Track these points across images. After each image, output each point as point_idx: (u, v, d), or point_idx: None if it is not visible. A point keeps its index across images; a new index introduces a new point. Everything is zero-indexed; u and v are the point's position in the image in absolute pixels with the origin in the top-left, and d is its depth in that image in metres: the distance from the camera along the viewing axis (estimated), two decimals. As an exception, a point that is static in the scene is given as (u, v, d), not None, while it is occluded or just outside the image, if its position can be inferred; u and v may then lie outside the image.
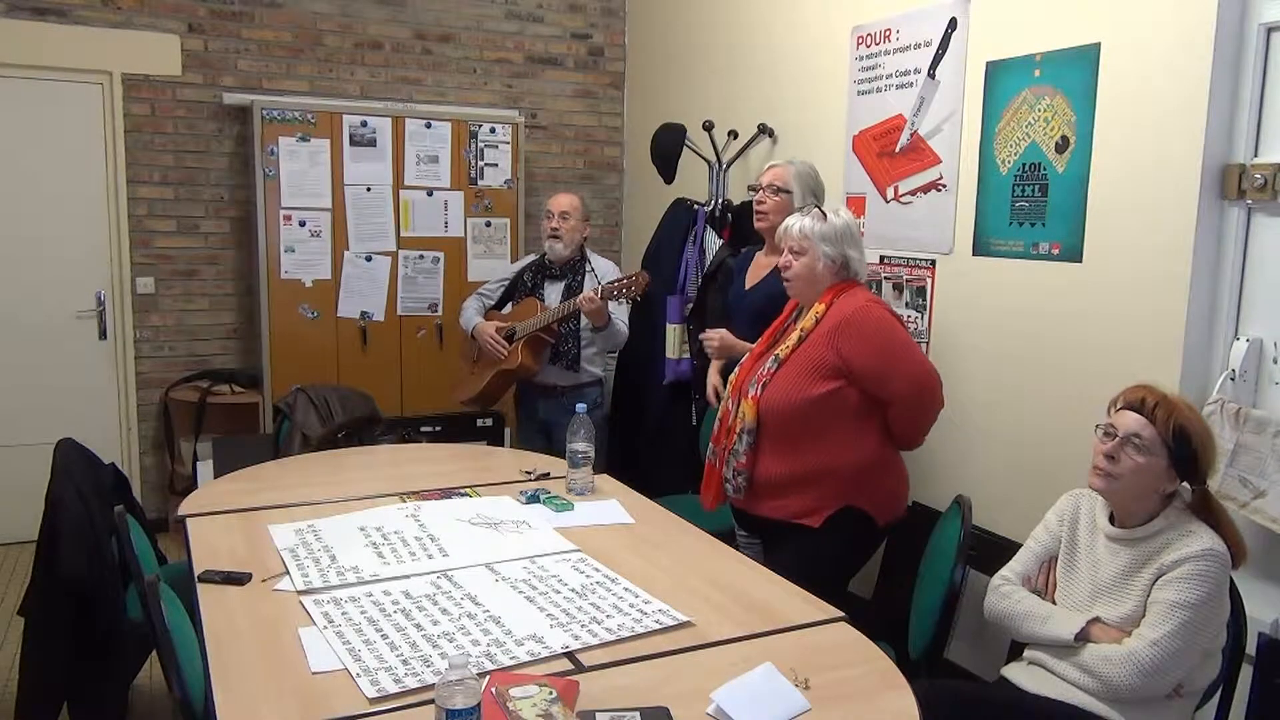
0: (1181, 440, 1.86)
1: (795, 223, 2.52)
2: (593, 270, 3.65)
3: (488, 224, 4.76)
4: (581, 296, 3.37)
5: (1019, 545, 2.15)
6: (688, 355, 3.95)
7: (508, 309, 3.76)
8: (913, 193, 3.33)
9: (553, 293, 3.65)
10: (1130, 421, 1.89)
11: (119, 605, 2.48)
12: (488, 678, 1.52)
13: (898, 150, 3.38)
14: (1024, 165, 2.89)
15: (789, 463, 2.43)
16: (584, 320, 3.50)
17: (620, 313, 3.56)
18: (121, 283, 4.42)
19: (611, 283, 3.37)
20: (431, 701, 1.39)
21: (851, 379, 2.39)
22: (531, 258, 3.84)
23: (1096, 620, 1.90)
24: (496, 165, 4.73)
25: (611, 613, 1.83)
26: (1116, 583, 1.91)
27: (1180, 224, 2.45)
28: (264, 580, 1.96)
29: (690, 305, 3.95)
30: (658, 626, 1.77)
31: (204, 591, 1.91)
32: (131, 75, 4.33)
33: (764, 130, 4.07)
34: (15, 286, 4.27)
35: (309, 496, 2.51)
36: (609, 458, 3.70)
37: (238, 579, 1.95)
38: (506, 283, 3.83)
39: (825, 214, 2.50)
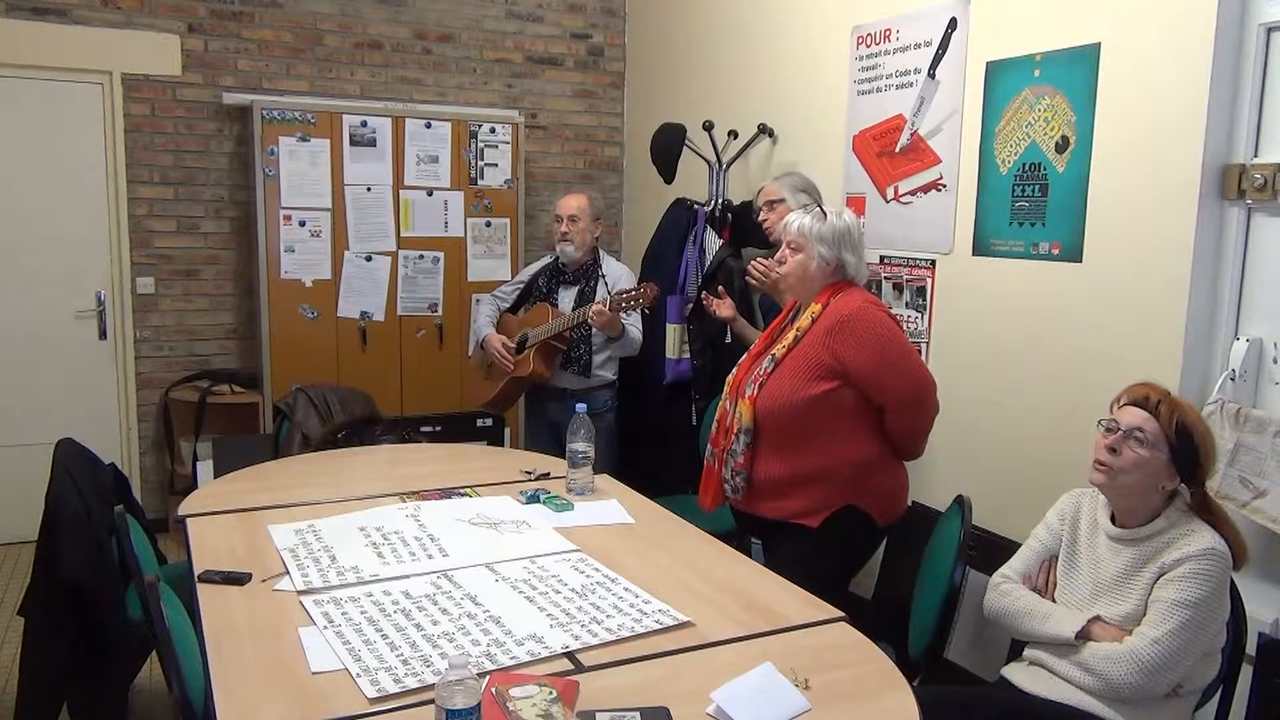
0: (1183, 436, 1.86)
1: (795, 220, 2.51)
2: (604, 277, 3.64)
3: (488, 224, 4.76)
4: (592, 310, 3.36)
5: (1019, 545, 2.15)
6: (687, 355, 3.95)
7: (522, 312, 3.76)
8: (913, 193, 3.33)
9: (566, 298, 3.65)
10: (1133, 416, 1.90)
11: (119, 605, 2.47)
12: (488, 678, 1.52)
13: (898, 150, 3.38)
14: (1024, 165, 2.89)
15: (787, 463, 2.42)
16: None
17: (633, 319, 3.56)
18: (121, 283, 4.42)
19: (620, 294, 3.35)
20: (431, 701, 1.39)
21: (848, 380, 2.38)
22: (547, 260, 3.83)
23: (1097, 619, 1.90)
24: (496, 165, 4.73)
25: (611, 613, 1.83)
26: (1117, 582, 1.91)
27: (1180, 224, 2.45)
28: (264, 580, 1.96)
29: (690, 305, 3.94)
30: (658, 626, 1.77)
31: (204, 591, 1.90)
32: (131, 75, 4.33)
33: (764, 130, 4.06)
34: (15, 286, 4.27)
35: (309, 496, 2.51)
36: (618, 463, 3.64)
37: (238, 579, 1.95)
38: (522, 286, 3.83)
39: (826, 214, 2.48)
